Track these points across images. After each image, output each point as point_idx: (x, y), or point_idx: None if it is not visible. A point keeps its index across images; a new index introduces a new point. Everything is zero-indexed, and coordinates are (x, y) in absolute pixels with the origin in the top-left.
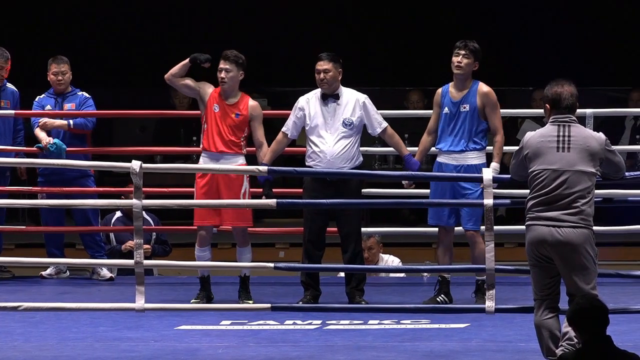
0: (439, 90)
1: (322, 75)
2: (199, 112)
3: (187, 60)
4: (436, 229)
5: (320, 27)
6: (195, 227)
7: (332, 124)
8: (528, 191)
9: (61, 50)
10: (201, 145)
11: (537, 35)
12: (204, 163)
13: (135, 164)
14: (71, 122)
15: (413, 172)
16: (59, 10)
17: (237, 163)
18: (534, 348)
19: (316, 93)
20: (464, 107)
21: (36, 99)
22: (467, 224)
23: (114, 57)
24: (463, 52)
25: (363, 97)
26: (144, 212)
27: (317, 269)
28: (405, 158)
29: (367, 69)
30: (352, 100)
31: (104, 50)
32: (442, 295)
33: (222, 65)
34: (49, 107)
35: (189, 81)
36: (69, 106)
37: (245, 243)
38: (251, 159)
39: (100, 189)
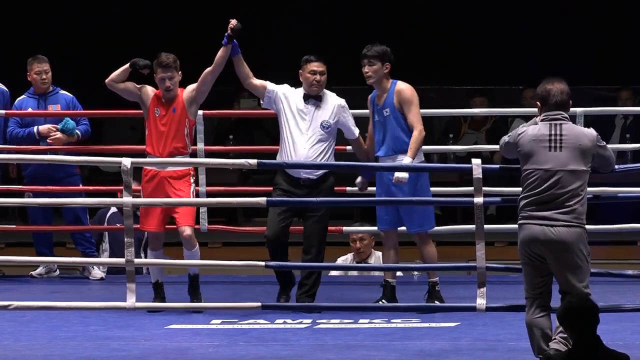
0: (369, 96)
1: (317, 77)
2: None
3: (127, 65)
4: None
5: (306, 28)
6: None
7: (310, 126)
8: (519, 189)
9: (38, 50)
10: (145, 151)
11: (526, 34)
12: (150, 167)
13: (126, 161)
14: (79, 132)
15: (399, 164)
16: (35, 9)
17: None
18: (524, 347)
19: (298, 92)
20: (386, 112)
21: (16, 101)
22: (411, 227)
23: (99, 55)
24: (366, 60)
25: (342, 102)
26: None
27: (308, 267)
28: None
29: (352, 68)
30: (332, 103)
31: (86, 48)
32: (383, 300)
33: (163, 74)
34: (30, 109)
35: (129, 85)
36: (53, 107)
37: (193, 245)
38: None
39: (90, 187)
